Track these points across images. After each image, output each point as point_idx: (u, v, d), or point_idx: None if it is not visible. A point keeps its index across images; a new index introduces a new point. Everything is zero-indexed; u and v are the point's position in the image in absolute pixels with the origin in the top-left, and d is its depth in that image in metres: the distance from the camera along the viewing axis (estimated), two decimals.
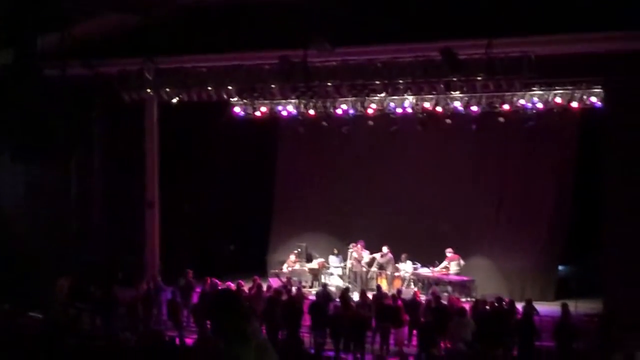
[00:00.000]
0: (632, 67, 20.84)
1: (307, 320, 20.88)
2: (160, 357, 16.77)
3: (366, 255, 25.54)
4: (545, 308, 21.31)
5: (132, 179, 25.71)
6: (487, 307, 20.42)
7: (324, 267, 25.78)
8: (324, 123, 24.71)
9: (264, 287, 22.59)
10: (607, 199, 21.80)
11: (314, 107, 23.98)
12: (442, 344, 19.99)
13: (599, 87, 22.10)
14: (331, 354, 19.56)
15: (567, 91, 22.63)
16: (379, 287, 23.18)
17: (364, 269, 25.46)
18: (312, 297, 22.59)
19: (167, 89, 23.85)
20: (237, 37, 21.80)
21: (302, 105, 24.21)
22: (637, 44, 20.82)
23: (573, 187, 24.60)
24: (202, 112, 24.93)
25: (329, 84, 22.90)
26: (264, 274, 25.74)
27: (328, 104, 23.87)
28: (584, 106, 22.55)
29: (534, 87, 22.60)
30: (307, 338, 20.27)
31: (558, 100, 22.70)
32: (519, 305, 20.37)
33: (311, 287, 25.30)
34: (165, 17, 22.62)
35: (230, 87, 23.53)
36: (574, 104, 22.62)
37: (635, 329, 18.30)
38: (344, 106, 24.09)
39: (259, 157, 28.40)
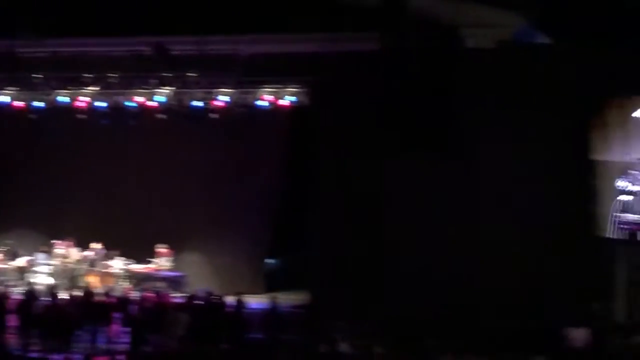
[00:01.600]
0: (336, 68, 21.86)
1: (12, 321, 20.14)
2: None
3: (76, 252, 24.90)
4: (255, 301, 21.79)
5: None
6: (199, 302, 20.59)
7: (31, 265, 24.87)
8: (32, 116, 23.84)
9: None
10: (311, 195, 22.65)
11: (23, 99, 23.10)
12: (154, 340, 19.97)
13: (306, 85, 22.89)
14: (37, 355, 18.93)
15: (276, 89, 23.26)
16: (87, 285, 22.74)
17: (73, 266, 24.82)
18: (18, 297, 21.75)
19: None
20: None
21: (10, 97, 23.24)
22: (340, 45, 21.91)
23: (281, 183, 25.37)
24: None
25: (37, 75, 22.17)
26: None
27: (37, 96, 23.10)
28: (292, 104, 23.28)
29: (244, 84, 23.02)
30: (13, 339, 19.60)
31: (268, 97, 23.27)
32: (230, 299, 20.71)
33: (17, 285, 24.31)
34: None
35: None
36: (282, 102, 23.30)
37: (339, 319, 19.19)
38: (60, 99, 23.30)
39: None
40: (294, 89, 23.13)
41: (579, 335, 18.47)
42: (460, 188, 20.92)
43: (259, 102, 23.23)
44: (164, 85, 22.80)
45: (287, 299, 22.46)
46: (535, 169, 20.27)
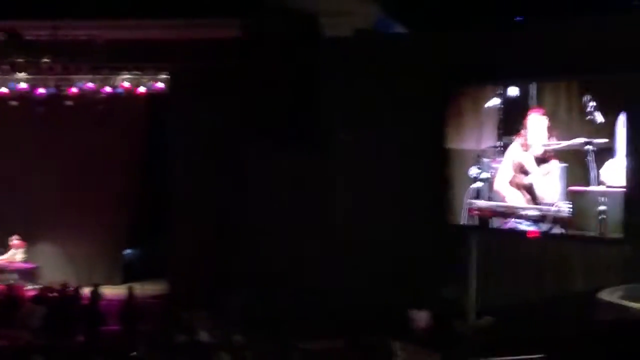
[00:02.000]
0: (195, 55, 21.72)
1: None
2: None
3: None
4: (112, 292, 21.50)
5: None
6: (54, 294, 20.17)
7: None
8: None
9: None
10: (171, 183, 22.49)
11: None
12: (7, 334, 19.45)
13: (165, 73, 22.65)
14: None
15: (134, 76, 22.92)
16: None
17: None
18: None
19: None
20: None
21: None
22: (200, 32, 21.87)
23: (140, 171, 25.06)
24: None
25: None
26: None
27: None
28: (150, 91, 23.01)
29: (102, 70, 22.61)
30: None
31: (125, 84, 22.92)
32: (86, 291, 20.34)
33: None
34: None
35: None
36: (141, 89, 22.99)
37: (197, 308, 19.13)
38: None
39: None
40: (153, 77, 22.84)
41: (421, 317, 19.12)
42: (319, 175, 21.14)
43: (116, 89, 22.84)
44: (17, 71, 22.19)
45: (145, 290, 22.30)
46: (392, 157, 20.63)
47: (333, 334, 17.56)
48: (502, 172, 18.52)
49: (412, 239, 19.84)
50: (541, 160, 17.79)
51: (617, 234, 16.65)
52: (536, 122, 17.81)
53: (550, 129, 17.56)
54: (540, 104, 17.78)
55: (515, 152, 18.28)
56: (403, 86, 20.27)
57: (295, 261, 20.80)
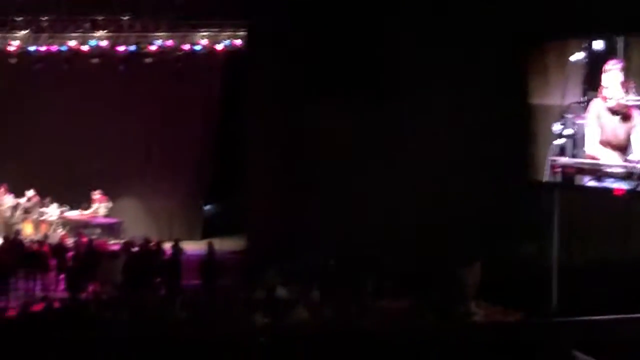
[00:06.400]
0: (274, 10, 21.56)
1: None
2: None
3: (10, 199, 24.53)
4: (193, 247, 21.72)
5: None
6: (136, 249, 20.43)
7: None
8: None
9: None
10: (249, 139, 22.50)
11: None
12: (90, 288, 19.83)
13: (243, 29, 22.58)
14: None
15: (212, 32, 22.93)
16: (17, 232, 22.46)
17: (8, 214, 24.47)
18: None
19: None
20: None
21: None
22: None
23: (217, 128, 25.17)
24: None
25: None
26: None
27: None
28: (229, 48, 22.98)
29: (180, 28, 22.67)
30: None
31: (204, 42, 22.94)
32: (166, 246, 20.57)
33: None
34: None
35: None
36: (219, 46, 22.99)
37: (276, 264, 19.19)
38: None
39: None
40: (231, 33, 22.80)
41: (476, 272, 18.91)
42: (392, 130, 20.91)
43: (195, 46, 22.88)
44: (98, 29, 22.41)
45: (224, 245, 22.48)
46: (472, 112, 20.28)
47: (407, 293, 17.45)
48: (587, 129, 18.05)
49: (492, 195, 19.52)
50: (623, 115, 17.29)
51: None
52: (615, 77, 17.27)
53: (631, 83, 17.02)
54: (626, 58, 17.22)
55: (598, 107, 17.79)
56: (483, 39, 19.85)
57: (372, 218, 20.66)
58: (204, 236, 24.14)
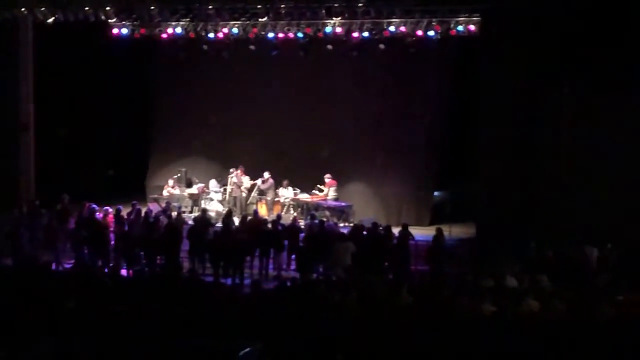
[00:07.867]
0: None
1: (186, 246, 20.89)
2: (35, 281, 16.53)
3: (246, 181, 25.50)
4: (421, 233, 21.73)
5: (4, 102, 24.78)
6: (365, 233, 20.69)
7: (204, 192, 25.65)
8: (205, 47, 24.34)
9: (143, 213, 22.34)
10: (481, 126, 22.19)
11: (194, 30, 23.67)
12: (320, 269, 20.28)
13: (477, 15, 22.25)
14: (210, 279, 19.55)
15: (447, 18, 22.72)
16: (255, 212, 23.26)
17: (244, 195, 25.45)
18: (192, 223, 22.50)
19: (42, 8, 23.23)
20: None
21: (182, 28, 23.82)
22: None
23: (449, 114, 25.05)
24: (79, 33, 24.28)
25: (210, 7, 22.69)
26: (143, 199, 25.50)
27: (209, 28, 23.61)
28: (462, 34, 22.70)
29: (414, 13, 22.63)
30: (186, 263, 20.35)
31: (437, 27, 22.75)
32: (395, 230, 20.70)
33: (191, 212, 25.16)
34: None
35: (108, 8, 23.15)
36: (453, 32, 22.76)
37: (505, 253, 18.88)
38: (225, 30, 23.72)
39: (138, 80, 27.79)
40: (466, 18, 22.51)
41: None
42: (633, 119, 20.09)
43: (429, 32, 22.73)
44: (333, 16, 22.75)
45: (453, 232, 22.34)
46: None
47: None
48: None
49: None
50: None
51: None
52: None
53: None
54: None
55: None
56: None
57: (604, 213, 20.02)
58: (432, 222, 24.12)
